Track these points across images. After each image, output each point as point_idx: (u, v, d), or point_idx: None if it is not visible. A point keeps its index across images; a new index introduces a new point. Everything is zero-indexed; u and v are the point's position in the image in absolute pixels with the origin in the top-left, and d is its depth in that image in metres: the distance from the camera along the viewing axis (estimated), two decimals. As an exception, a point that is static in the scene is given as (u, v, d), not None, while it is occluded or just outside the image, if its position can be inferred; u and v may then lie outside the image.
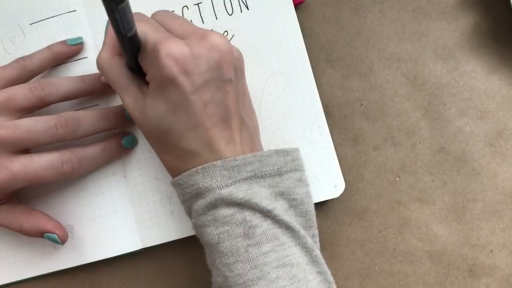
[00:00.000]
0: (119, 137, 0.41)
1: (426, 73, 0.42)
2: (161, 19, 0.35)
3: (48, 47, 0.41)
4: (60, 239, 0.38)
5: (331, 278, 0.35)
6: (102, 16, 0.42)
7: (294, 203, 0.35)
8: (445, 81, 0.42)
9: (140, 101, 0.35)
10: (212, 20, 0.42)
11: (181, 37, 0.33)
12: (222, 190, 0.32)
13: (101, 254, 0.41)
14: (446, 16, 0.42)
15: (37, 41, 0.43)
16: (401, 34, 0.42)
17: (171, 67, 0.32)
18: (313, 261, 0.34)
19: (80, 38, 0.42)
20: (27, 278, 0.41)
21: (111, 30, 0.35)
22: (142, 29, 0.33)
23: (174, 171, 0.35)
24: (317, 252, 0.34)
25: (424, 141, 0.41)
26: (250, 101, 0.38)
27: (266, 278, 0.31)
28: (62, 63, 0.42)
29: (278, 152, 0.35)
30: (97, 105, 0.42)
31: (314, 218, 0.36)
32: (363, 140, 0.42)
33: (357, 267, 0.41)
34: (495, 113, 0.41)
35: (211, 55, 0.32)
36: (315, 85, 0.41)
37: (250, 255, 0.32)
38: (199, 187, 0.33)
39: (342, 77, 0.42)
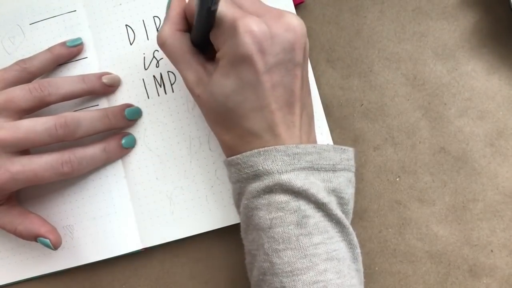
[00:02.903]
0: (119, 137, 0.41)
1: (426, 73, 0.42)
2: None
3: (49, 49, 0.41)
4: (52, 244, 0.38)
5: (363, 277, 0.35)
6: (102, 16, 0.42)
7: (341, 201, 0.35)
8: (445, 81, 0.42)
9: (203, 78, 0.34)
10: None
11: (254, 15, 0.33)
12: (282, 175, 0.32)
13: (101, 254, 0.41)
14: (446, 16, 0.42)
15: (37, 41, 0.43)
16: (401, 34, 0.42)
17: (249, 45, 0.31)
18: (355, 258, 0.34)
19: (80, 39, 0.42)
20: (27, 278, 0.41)
21: (175, 4, 0.35)
22: None
23: (230, 150, 0.35)
24: (359, 250, 0.35)
25: (424, 141, 0.41)
26: (309, 87, 0.37)
27: (315, 269, 0.31)
28: (63, 64, 0.42)
29: (335, 148, 0.35)
30: (97, 105, 0.42)
31: (350, 220, 0.36)
32: (363, 140, 0.42)
33: (357, 267, 0.41)
34: (495, 113, 0.41)
35: (286, 36, 0.32)
36: (315, 85, 0.41)
37: (301, 244, 0.32)
38: (258, 169, 0.32)
39: (342, 77, 0.42)
